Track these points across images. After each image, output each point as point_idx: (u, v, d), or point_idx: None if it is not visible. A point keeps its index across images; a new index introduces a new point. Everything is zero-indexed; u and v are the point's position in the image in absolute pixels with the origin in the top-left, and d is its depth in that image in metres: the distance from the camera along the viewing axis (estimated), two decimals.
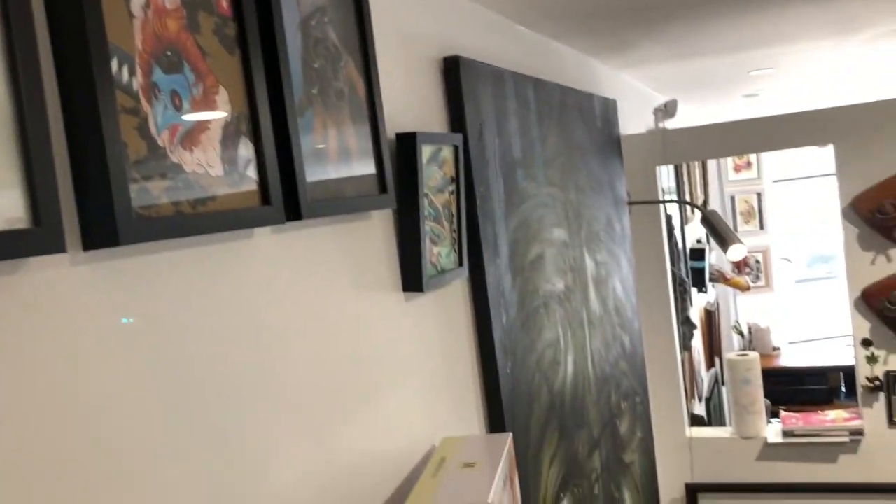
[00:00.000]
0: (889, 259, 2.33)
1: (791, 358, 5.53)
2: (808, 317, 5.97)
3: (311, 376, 0.90)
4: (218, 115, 0.76)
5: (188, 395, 0.72)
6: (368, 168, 1.00)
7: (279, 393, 0.84)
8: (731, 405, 2.58)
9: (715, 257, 4.46)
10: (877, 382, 2.38)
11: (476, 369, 1.35)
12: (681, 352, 2.82)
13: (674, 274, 2.72)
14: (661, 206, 2.63)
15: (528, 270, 1.54)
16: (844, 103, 2.35)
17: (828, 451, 2.43)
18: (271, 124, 0.82)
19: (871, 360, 2.39)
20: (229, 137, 0.77)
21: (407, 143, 1.10)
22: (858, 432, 2.39)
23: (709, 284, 4.19)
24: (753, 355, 2.55)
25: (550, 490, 1.51)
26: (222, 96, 0.77)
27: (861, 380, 2.41)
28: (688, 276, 3.55)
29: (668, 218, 2.84)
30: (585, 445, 1.76)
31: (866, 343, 2.39)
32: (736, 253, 2.21)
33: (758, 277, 5.93)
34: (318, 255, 0.94)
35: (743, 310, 5.83)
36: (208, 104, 0.75)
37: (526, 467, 1.41)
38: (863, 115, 2.31)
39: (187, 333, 0.73)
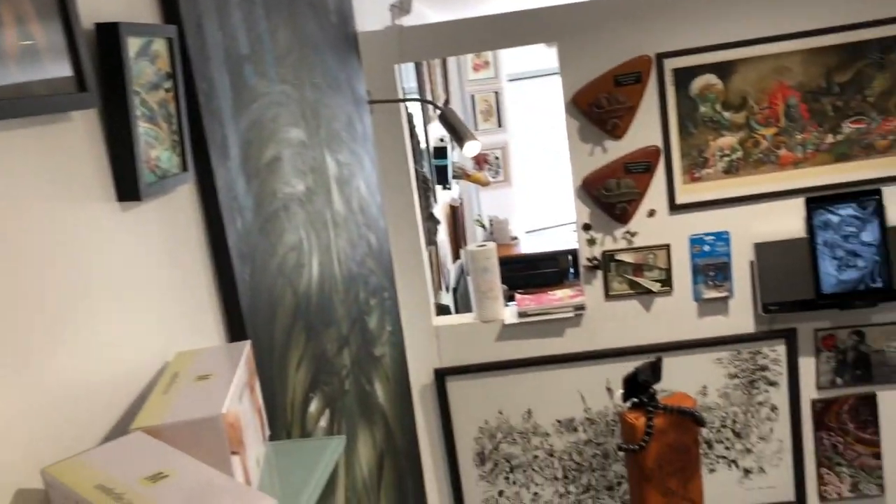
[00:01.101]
0: (605, 150, 2.55)
1: (528, 245, 5.98)
2: (543, 207, 6.46)
3: (2, 300, 0.80)
4: None
5: None
6: (62, 62, 0.88)
7: None
8: (472, 293, 2.74)
9: (458, 155, 4.64)
10: (595, 262, 2.64)
11: (212, 278, 1.29)
12: (426, 247, 2.93)
13: (417, 172, 2.78)
14: (403, 105, 2.65)
15: (265, 173, 1.49)
16: (567, 2, 2.48)
17: (557, 327, 2.68)
18: None
19: (591, 242, 2.64)
20: None
21: (109, 35, 0.99)
22: (581, 307, 2.66)
23: (452, 181, 4.36)
24: (491, 245, 2.71)
25: (299, 391, 1.52)
26: None
27: (582, 261, 2.66)
28: (431, 174, 3.66)
29: (410, 117, 2.87)
30: (334, 344, 1.78)
31: (587, 227, 2.63)
32: (471, 149, 2.30)
33: (497, 173, 6.28)
34: (0, 163, 0.82)
35: (485, 204, 6.16)
36: None
37: (272, 372, 1.40)
38: (582, 14, 2.46)
39: None
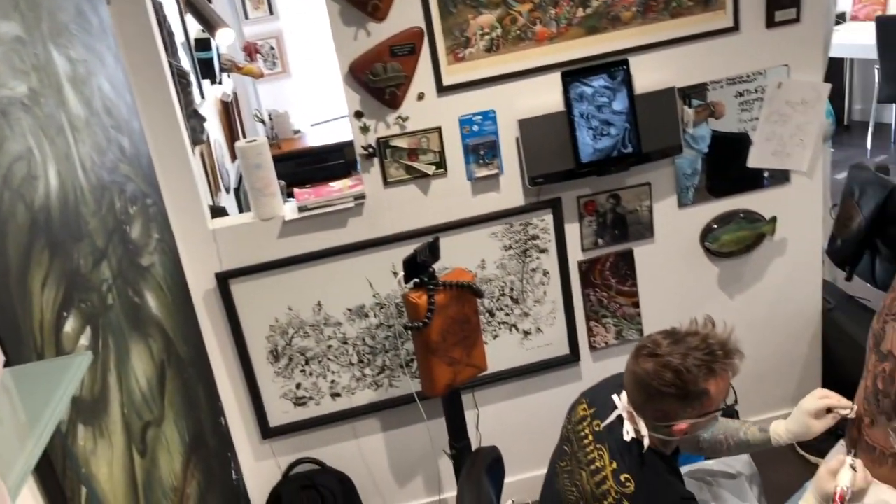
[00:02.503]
0: (368, 33, 2.50)
1: (315, 138, 5.85)
2: (326, 97, 6.31)
3: None
4: None
5: None
6: None
7: None
8: (248, 191, 2.65)
9: (227, 47, 4.37)
10: (371, 149, 2.63)
11: None
12: (193, 146, 2.78)
13: (173, 66, 2.59)
14: None
15: None
16: None
17: (338, 218, 2.68)
18: None
19: (364, 129, 2.62)
20: None
21: None
22: (361, 196, 2.66)
23: (221, 75, 4.13)
24: (262, 140, 2.61)
25: (49, 312, 1.41)
26: None
27: (358, 149, 2.64)
28: (195, 68, 3.43)
29: (159, 7, 2.64)
30: (89, 258, 1.66)
31: (358, 115, 2.60)
32: (224, 37, 2.17)
33: (274, 64, 6.03)
34: None
35: (264, 97, 5.93)
36: None
37: (10, 296, 1.28)
38: None
39: None
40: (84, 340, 1.54)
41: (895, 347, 1.82)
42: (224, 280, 2.64)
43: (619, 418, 1.88)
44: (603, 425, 1.90)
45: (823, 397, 1.93)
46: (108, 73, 2.05)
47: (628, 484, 1.79)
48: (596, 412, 1.95)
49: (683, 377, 1.73)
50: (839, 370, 3.13)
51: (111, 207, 1.87)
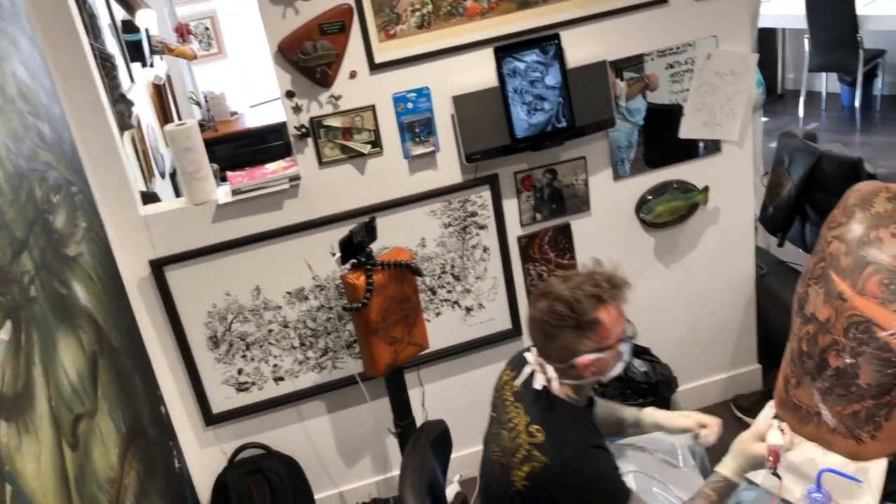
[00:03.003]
0: (297, 11, 2.46)
1: (253, 120, 5.74)
2: (264, 78, 6.19)
3: None
4: None
5: None
6: None
7: None
8: (179, 175, 2.60)
9: (157, 28, 4.26)
10: (304, 129, 2.60)
11: None
12: (121, 132, 2.71)
13: (95, 49, 2.51)
14: None
15: None
16: None
17: (274, 200, 2.65)
18: None
19: (297, 109, 2.58)
20: None
21: None
22: (296, 178, 2.63)
23: (153, 57, 4.03)
24: (191, 123, 2.56)
25: None
26: None
27: (291, 130, 2.60)
28: (123, 51, 3.33)
29: None
30: (7, 250, 1.61)
31: (290, 94, 2.56)
32: (144, 19, 2.11)
33: (210, 45, 5.90)
34: None
35: (200, 79, 5.80)
36: None
37: None
38: None
39: None
40: (3, 335, 1.50)
41: (818, 310, 1.88)
42: (158, 267, 2.59)
43: (533, 373, 1.91)
44: (518, 383, 1.93)
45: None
46: (22, 58, 1.98)
47: (538, 434, 1.82)
48: (515, 374, 1.98)
49: (574, 308, 1.79)
50: (773, 334, 3.21)
51: (31, 196, 1.82)
